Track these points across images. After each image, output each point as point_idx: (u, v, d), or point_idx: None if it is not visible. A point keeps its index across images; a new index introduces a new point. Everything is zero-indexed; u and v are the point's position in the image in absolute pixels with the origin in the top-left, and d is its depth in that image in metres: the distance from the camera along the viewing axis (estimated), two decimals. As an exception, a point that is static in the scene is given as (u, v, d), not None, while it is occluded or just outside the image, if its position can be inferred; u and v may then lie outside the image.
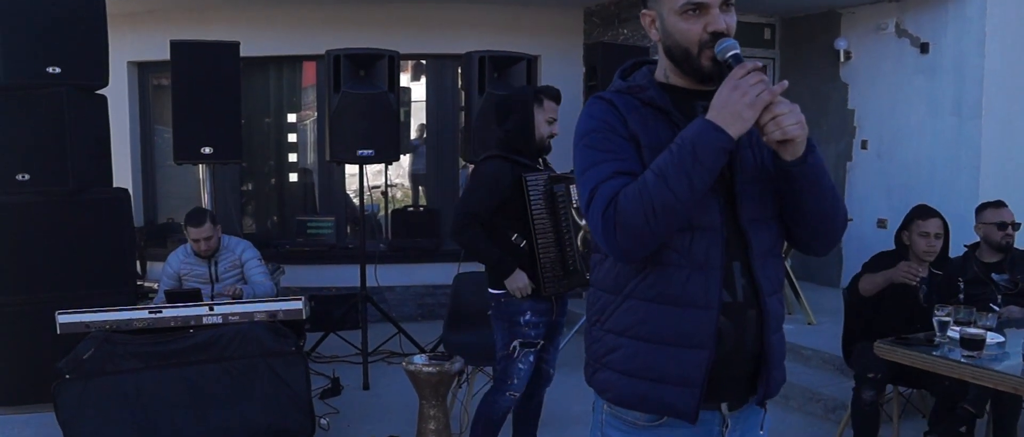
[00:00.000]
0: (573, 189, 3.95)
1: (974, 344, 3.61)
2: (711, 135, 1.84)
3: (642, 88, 2.05)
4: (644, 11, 2.07)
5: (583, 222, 3.94)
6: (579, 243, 3.96)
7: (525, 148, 4.02)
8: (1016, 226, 4.92)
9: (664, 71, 2.08)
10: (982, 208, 5.02)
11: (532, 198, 3.92)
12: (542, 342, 4.08)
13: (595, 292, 2.13)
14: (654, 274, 1.99)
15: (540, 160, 4.10)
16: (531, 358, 4.04)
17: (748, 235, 2.02)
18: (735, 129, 1.83)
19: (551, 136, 4.07)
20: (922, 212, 4.64)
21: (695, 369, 1.98)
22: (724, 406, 2.08)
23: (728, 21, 1.94)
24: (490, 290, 4.11)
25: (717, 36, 1.93)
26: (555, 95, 4.11)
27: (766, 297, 2.05)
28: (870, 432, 4.45)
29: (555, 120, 4.06)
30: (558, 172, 4.11)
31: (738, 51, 1.89)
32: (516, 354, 4.03)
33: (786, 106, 1.84)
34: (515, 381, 4.05)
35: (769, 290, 2.06)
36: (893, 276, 4.39)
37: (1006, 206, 4.96)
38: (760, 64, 1.86)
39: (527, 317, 3.99)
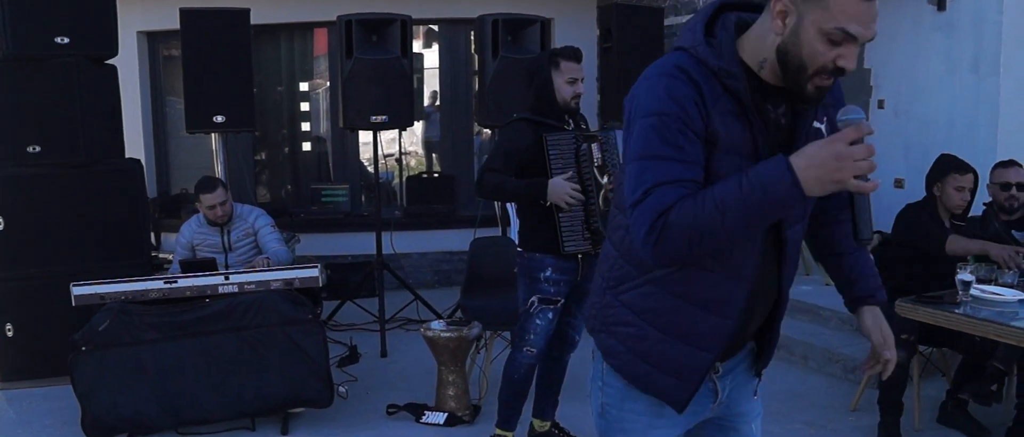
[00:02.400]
0: (595, 148, 3.91)
1: None
2: (787, 190, 1.68)
3: (731, 74, 1.81)
4: (775, 2, 1.78)
5: (605, 180, 3.90)
6: (601, 202, 3.91)
7: (549, 110, 3.98)
8: (1022, 186, 4.85)
9: (761, 59, 1.84)
10: (994, 168, 4.97)
11: (552, 156, 3.88)
12: (562, 300, 4.04)
13: (616, 257, 2.05)
14: (686, 270, 1.92)
15: (569, 121, 4.04)
16: (549, 315, 4.02)
17: (787, 245, 1.98)
18: (812, 190, 1.68)
19: (575, 96, 3.98)
20: (959, 165, 4.63)
21: (696, 370, 1.99)
22: (718, 364, 2.09)
23: (855, 60, 1.77)
24: (518, 249, 4.12)
25: (838, 72, 1.76)
26: (572, 54, 4.02)
27: (784, 300, 2.06)
28: (898, 393, 4.42)
29: (577, 79, 3.97)
30: (588, 131, 4.06)
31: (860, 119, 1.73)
32: (533, 309, 4.01)
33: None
34: (532, 336, 4.03)
35: (788, 289, 2.06)
36: (995, 253, 4.33)
37: (1017, 166, 4.89)
38: (871, 129, 1.71)
39: (548, 273, 3.97)
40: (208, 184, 5.31)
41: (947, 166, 4.65)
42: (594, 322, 2.13)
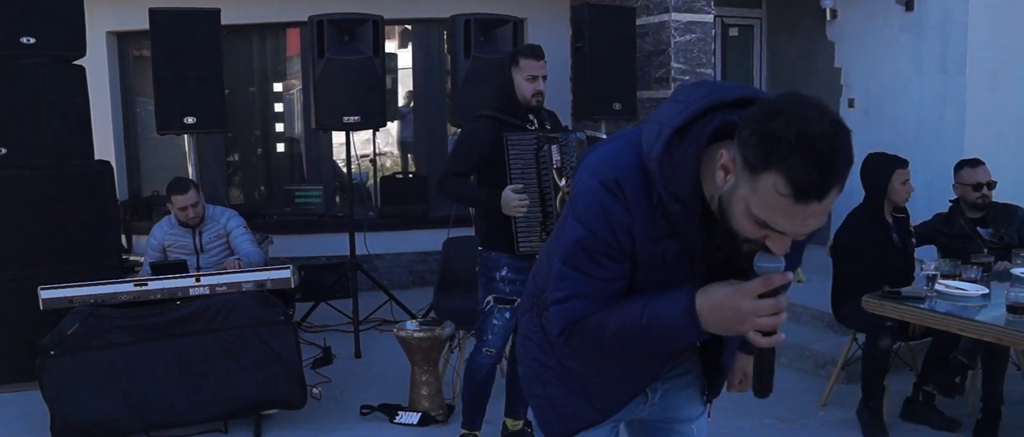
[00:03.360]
0: (555, 150, 3.90)
1: (1019, 309, 3.59)
2: (689, 330, 1.70)
3: (671, 209, 1.70)
4: (727, 154, 1.60)
5: (563, 183, 3.90)
6: (558, 205, 3.90)
7: (512, 109, 3.99)
8: (992, 185, 4.94)
9: (710, 195, 1.69)
10: (960, 166, 5.06)
11: (511, 156, 3.87)
12: (518, 299, 4.01)
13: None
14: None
15: (532, 120, 4.04)
16: (507, 314, 4.02)
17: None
18: (717, 332, 1.70)
19: (536, 94, 3.98)
20: (899, 161, 4.75)
21: (581, 420, 2.06)
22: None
23: (788, 248, 1.63)
24: (478, 249, 4.13)
25: (765, 248, 1.63)
26: (532, 51, 4.02)
27: (726, 344, 2.06)
28: (880, 379, 4.48)
29: (537, 77, 3.97)
30: (553, 131, 4.06)
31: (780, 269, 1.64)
32: (489, 308, 4.03)
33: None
34: (489, 336, 4.05)
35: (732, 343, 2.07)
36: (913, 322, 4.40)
37: (983, 165, 4.98)
38: (789, 278, 1.63)
39: (503, 273, 3.99)
40: (180, 185, 5.28)
41: (889, 165, 4.73)
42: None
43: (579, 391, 2.03)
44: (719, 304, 1.64)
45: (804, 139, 1.45)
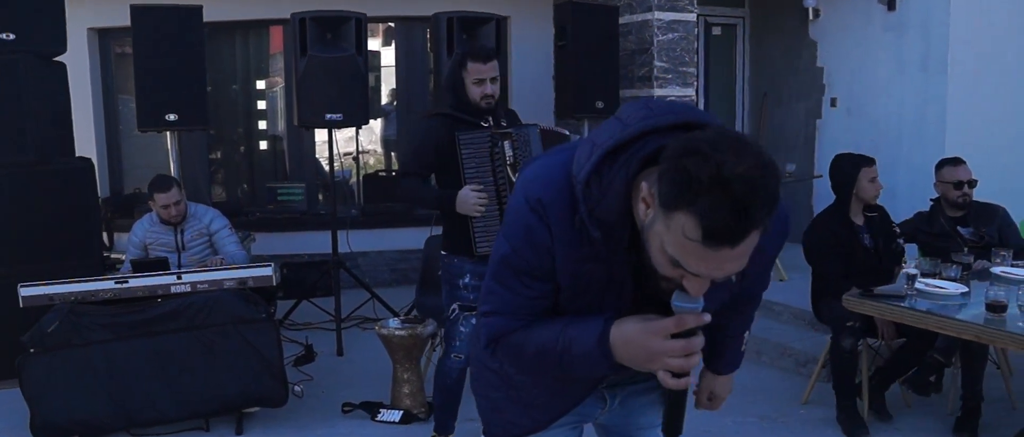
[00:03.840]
0: (507, 146, 3.81)
1: (998, 307, 3.62)
2: (600, 361, 1.68)
3: (592, 234, 1.64)
4: (647, 188, 1.52)
5: (516, 179, 3.79)
6: None
7: (464, 106, 3.90)
8: (973, 183, 4.97)
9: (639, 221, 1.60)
10: (940, 165, 5.10)
11: (463, 155, 3.80)
12: None
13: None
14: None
15: (488, 118, 3.93)
16: (473, 321, 3.93)
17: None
18: (629, 365, 1.66)
19: (485, 97, 3.85)
20: (864, 159, 4.81)
21: (550, 417, 2.04)
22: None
23: (705, 289, 1.55)
24: (441, 252, 4.07)
25: (681, 287, 1.56)
26: (479, 54, 3.88)
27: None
28: (849, 380, 4.53)
29: (485, 80, 3.84)
30: (508, 128, 3.94)
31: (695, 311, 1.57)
32: (455, 317, 3.98)
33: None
34: (457, 343, 4.01)
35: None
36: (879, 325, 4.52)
37: (964, 164, 5.02)
38: (705, 319, 1.56)
39: (466, 280, 3.92)
40: (163, 183, 5.27)
41: (855, 164, 4.79)
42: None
43: (517, 399, 2.03)
44: (630, 340, 1.60)
45: (718, 181, 1.36)
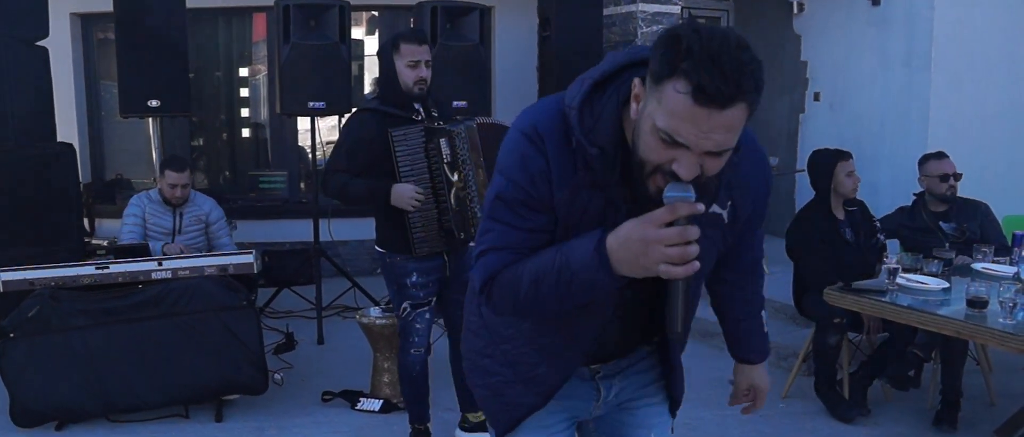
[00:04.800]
0: (444, 143, 3.70)
1: (979, 303, 3.64)
2: (595, 274, 1.62)
3: (590, 154, 1.68)
4: (639, 79, 1.62)
5: (455, 177, 3.70)
6: (452, 201, 3.72)
7: (395, 99, 3.79)
8: (958, 176, 5.02)
9: (634, 138, 1.66)
10: (924, 160, 5.13)
11: (398, 153, 3.70)
12: (433, 299, 3.97)
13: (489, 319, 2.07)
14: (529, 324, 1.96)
15: (418, 109, 3.83)
16: (426, 315, 3.96)
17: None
18: (627, 272, 1.59)
19: (419, 81, 3.76)
20: (840, 154, 4.88)
21: (552, 385, 2.00)
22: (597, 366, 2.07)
23: (696, 172, 1.56)
24: (376, 248, 3.97)
25: (673, 175, 1.57)
26: (414, 36, 3.80)
27: (674, 337, 1.99)
28: (832, 374, 4.58)
29: (420, 62, 3.74)
30: (444, 124, 3.82)
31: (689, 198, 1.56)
32: (408, 316, 3.94)
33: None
34: (415, 339, 3.99)
35: (678, 328, 1.86)
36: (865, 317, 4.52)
37: (948, 157, 5.06)
38: (699, 209, 1.54)
39: (413, 279, 3.88)
40: (177, 162, 5.40)
41: (831, 158, 4.86)
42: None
43: (515, 376, 2.01)
44: (626, 238, 1.57)
45: (707, 49, 1.46)
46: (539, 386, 1.99)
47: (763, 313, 2.29)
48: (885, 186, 6.77)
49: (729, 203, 1.86)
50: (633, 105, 1.62)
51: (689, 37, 1.48)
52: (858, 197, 4.95)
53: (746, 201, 1.90)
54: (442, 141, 3.70)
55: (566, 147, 1.71)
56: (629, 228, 1.58)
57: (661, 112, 1.52)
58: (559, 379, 1.98)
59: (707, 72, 1.45)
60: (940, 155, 5.09)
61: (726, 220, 1.87)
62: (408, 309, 3.94)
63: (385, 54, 3.81)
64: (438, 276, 3.95)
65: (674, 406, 2.16)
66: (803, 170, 7.42)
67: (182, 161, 5.45)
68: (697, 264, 1.54)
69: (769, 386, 2.33)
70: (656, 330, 2.02)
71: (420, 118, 3.81)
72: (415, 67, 3.74)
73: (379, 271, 4.05)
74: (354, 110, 3.95)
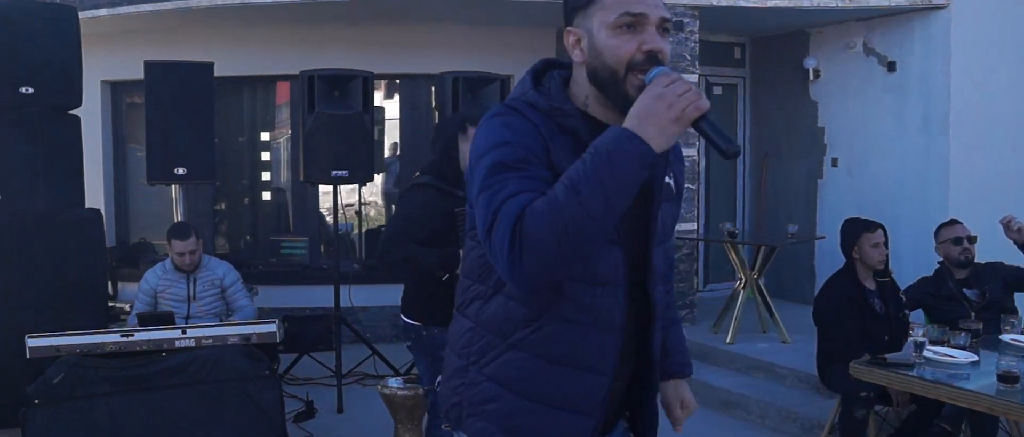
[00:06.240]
0: None
1: (1011, 378, 3.58)
2: (631, 144, 1.62)
3: (564, 113, 1.80)
4: (569, 29, 1.84)
5: None
6: None
7: (452, 176, 3.82)
8: (973, 239, 5.03)
9: (584, 97, 1.84)
10: (938, 230, 5.18)
11: (465, 234, 3.76)
12: None
13: (472, 328, 1.92)
14: (549, 327, 1.81)
15: None
16: None
17: (652, 294, 1.91)
18: (658, 143, 1.63)
19: None
20: (867, 225, 4.89)
21: (578, 435, 1.86)
22: None
23: (663, 45, 1.75)
24: (405, 319, 3.97)
25: (652, 58, 1.73)
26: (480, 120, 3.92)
27: (653, 369, 1.97)
28: None
29: None
30: None
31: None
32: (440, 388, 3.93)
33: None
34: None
35: (656, 356, 1.97)
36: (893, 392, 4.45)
37: (961, 223, 5.12)
38: (685, 81, 1.70)
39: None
40: (182, 230, 5.42)
41: (857, 228, 4.89)
42: (457, 409, 1.95)
43: (537, 432, 1.86)
44: (643, 109, 1.65)
45: None
46: (561, 412, 1.85)
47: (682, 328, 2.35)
48: (906, 251, 6.76)
49: (672, 174, 1.99)
50: (577, 51, 1.82)
51: None
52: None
53: (681, 175, 2.05)
54: None
55: (540, 115, 1.81)
56: (639, 104, 1.66)
57: (606, 11, 1.75)
58: (581, 395, 1.85)
59: None
60: (952, 222, 5.15)
61: (673, 190, 2.00)
62: (441, 381, 3.91)
63: (447, 129, 3.85)
64: None
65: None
66: (823, 237, 7.45)
67: (187, 229, 5.48)
68: (707, 101, 1.67)
69: (694, 402, 2.30)
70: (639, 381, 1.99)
71: None
72: None
73: (410, 345, 4.04)
74: (414, 184, 3.95)
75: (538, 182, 1.69)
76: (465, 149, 3.77)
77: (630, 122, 1.64)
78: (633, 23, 1.74)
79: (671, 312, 2.27)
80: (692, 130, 1.70)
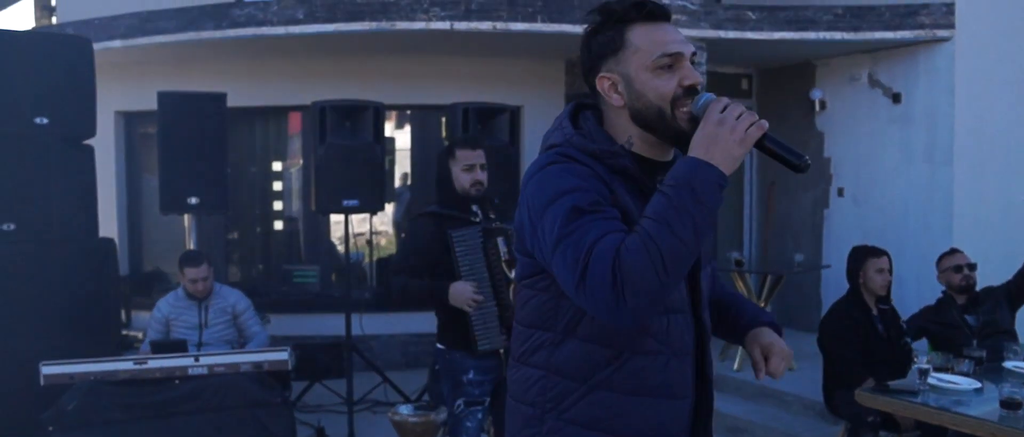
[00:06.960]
0: (501, 242, 3.83)
1: (1014, 405, 3.62)
2: (706, 172, 1.70)
3: (614, 154, 1.86)
4: (602, 75, 1.89)
5: (513, 275, 3.72)
6: (512, 298, 3.78)
7: (453, 202, 3.96)
8: (973, 266, 5.08)
9: (627, 137, 1.90)
10: (939, 259, 5.22)
11: (458, 253, 3.82)
12: (488, 399, 4.00)
13: (543, 376, 1.92)
14: (632, 362, 1.86)
15: (476, 211, 3.97)
16: (479, 415, 3.98)
17: (703, 317, 1.98)
18: (727, 166, 1.72)
19: (475, 184, 3.93)
20: (872, 251, 4.96)
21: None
22: None
23: (698, 77, 1.85)
24: (437, 345, 4.06)
25: (692, 91, 1.83)
26: (467, 142, 4.03)
27: (710, 394, 2.02)
28: None
29: (475, 166, 3.93)
30: (501, 223, 3.96)
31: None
32: (461, 412, 3.97)
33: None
34: (464, 436, 4.02)
35: (711, 379, 2.04)
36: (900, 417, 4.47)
37: (961, 252, 5.16)
38: (738, 104, 1.78)
39: (470, 376, 3.93)
40: (194, 258, 5.49)
41: (863, 254, 4.96)
42: None
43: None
44: (707, 138, 1.74)
45: (622, 3, 1.87)
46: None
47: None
48: (910, 280, 6.79)
49: None
50: (614, 96, 1.89)
51: (604, 11, 1.88)
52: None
53: None
54: (500, 240, 3.84)
55: (590, 159, 1.85)
56: (700, 135, 1.75)
57: (642, 54, 1.85)
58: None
59: (635, 8, 1.85)
60: (953, 251, 5.21)
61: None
62: (461, 406, 3.98)
63: (442, 160, 3.97)
64: (494, 375, 3.98)
65: None
66: (829, 266, 7.49)
67: (199, 256, 5.56)
68: (764, 121, 1.76)
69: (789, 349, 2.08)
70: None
71: (478, 219, 3.94)
72: (470, 171, 3.93)
73: (437, 368, 4.10)
74: (416, 215, 4.07)
75: (618, 222, 1.75)
76: (455, 171, 3.93)
77: (697, 151, 1.74)
78: (671, 63, 1.84)
79: (726, 298, 2.24)
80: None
